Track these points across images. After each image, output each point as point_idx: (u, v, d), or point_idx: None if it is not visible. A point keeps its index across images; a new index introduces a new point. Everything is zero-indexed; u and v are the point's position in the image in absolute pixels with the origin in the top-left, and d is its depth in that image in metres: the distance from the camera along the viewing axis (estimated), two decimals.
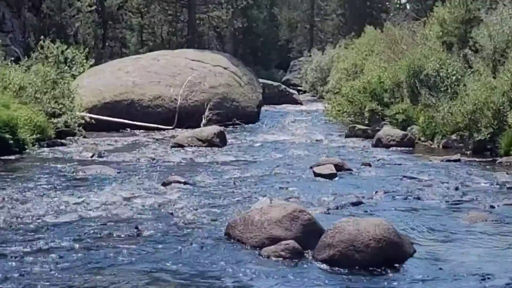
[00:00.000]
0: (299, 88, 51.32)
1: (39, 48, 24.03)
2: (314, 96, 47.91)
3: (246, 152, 18.25)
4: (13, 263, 7.82)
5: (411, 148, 18.88)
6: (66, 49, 24.51)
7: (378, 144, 19.18)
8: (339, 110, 24.94)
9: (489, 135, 16.94)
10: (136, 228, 9.36)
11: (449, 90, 19.61)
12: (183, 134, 20.36)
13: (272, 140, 21.44)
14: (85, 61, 25.97)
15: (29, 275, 7.46)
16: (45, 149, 18.32)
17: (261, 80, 37.35)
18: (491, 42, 19.39)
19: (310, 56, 52.09)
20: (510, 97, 17.07)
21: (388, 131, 19.89)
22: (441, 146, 18.91)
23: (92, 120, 22.56)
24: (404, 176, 13.81)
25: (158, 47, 44.91)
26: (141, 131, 24.08)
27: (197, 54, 30.98)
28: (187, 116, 25.11)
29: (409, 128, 20.66)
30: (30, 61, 23.36)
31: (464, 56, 20.41)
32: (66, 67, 23.79)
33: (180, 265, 7.87)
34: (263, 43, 59.82)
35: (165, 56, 29.70)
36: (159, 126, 24.69)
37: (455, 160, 16.03)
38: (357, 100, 23.78)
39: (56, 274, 7.50)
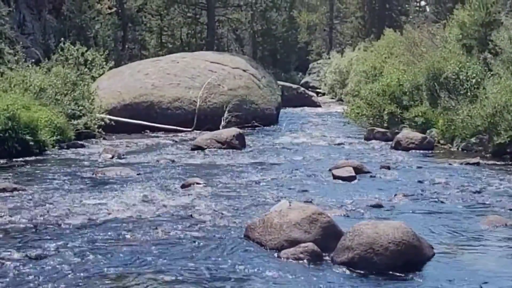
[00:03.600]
0: (318, 90, 51.34)
1: (59, 50, 24.21)
2: (333, 98, 47.88)
3: (265, 154, 18.27)
4: (33, 263, 7.89)
5: (430, 151, 18.83)
6: (86, 51, 24.69)
7: (397, 146, 19.14)
8: (358, 113, 24.93)
9: (509, 138, 16.85)
10: (156, 229, 9.40)
11: (468, 93, 19.57)
12: (202, 136, 20.40)
13: (291, 142, 21.45)
14: (104, 63, 26.12)
15: (49, 275, 7.52)
16: (65, 150, 18.45)
17: (280, 83, 37.40)
18: (511, 45, 19.31)
19: (329, 58, 52.09)
20: None
21: (407, 133, 19.84)
22: (460, 149, 18.85)
23: (112, 122, 22.68)
24: (423, 179, 13.78)
25: (178, 49, 45.08)
26: (160, 133, 24.18)
27: (216, 56, 31.05)
28: (206, 118, 25.18)
29: (428, 131, 20.60)
30: (51, 63, 23.55)
31: (484, 59, 20.35)
32: (86, 69, 23.96)
33: (199, 266, 7.90)
34: (282, 46, 59.77)
35: (184, 59, 29.77)
36: (178, 128, 24.77)
37: (474, 163, 15.97)
38: (376, 103, 23.76)
39: (76, 274, 7.56)
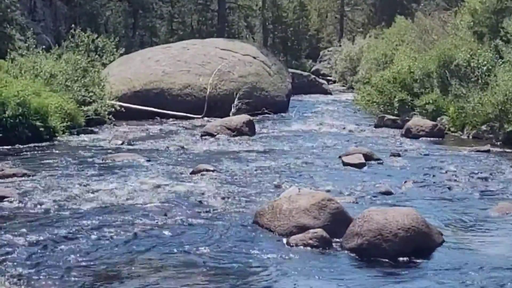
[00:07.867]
0: (328, 78, 51.18)
1: (70, 37, 24.19)
2: (343, 86, 47.74)
3: (275, 141, 18.25)
4: (43, 247, 7.91)
5: (440, 139, 18.78)
6: (97, 37, 24.64)
7: (408, 134, 19.10)
8: (368, 100, 24.87)
9: None
10: (165, 215, 9.42)
11: (479, 81, 19.49)
12: (212, 123, 20.41)
13: (301, 129, 21.41)
14: (115, 49, 26.06)
15: (57, 260, 7.54)
16: (75, 136, 18.45)
17: (290, 70, 37.33)
18: None
19: (340, 46, 51.91)
20: None
21: (417, 121, 19.80)
22: (471, 137, 18.80)
23: (122, 109, 22.64)
24: (433, 167, 13.75)
25: (188, 36, 44.99)
26: (171, 119, 24.15)
27: (226, 43, 30.97)
28: (216, 105, 25.13)
29: (439, 118, 20.54)
30: (61, 49, 23.48)
31: (495, 46, 20.25)
32: (97, 56, 23.91)
33: (208, 252, 7.92)
34: (292, 33, 59.61)
35: (195, 45, 29.70)
36: (189, 115, 24.73)
37: (485, 151, 15.93)
38: (387, 90, 23.67)
39: (84, 258, 7.59)
